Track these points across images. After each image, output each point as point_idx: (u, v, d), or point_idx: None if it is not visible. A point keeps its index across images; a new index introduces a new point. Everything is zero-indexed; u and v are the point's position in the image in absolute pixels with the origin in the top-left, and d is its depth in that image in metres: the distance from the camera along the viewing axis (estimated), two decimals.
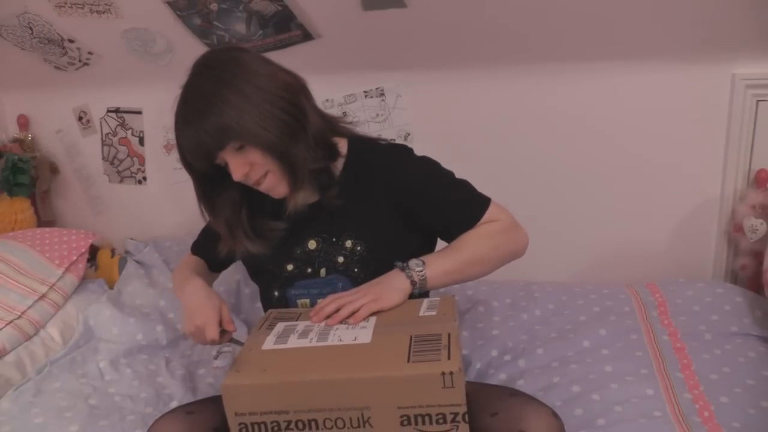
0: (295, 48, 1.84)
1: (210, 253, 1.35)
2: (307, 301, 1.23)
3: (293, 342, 1.03)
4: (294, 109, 1.12)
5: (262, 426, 0.95)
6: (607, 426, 1.26)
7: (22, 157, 2.13)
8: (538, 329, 1.63)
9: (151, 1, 1.78)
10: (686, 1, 1.61)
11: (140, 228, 2.25)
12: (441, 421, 0.93)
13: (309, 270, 1.23)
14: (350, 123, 1.28)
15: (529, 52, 1.79)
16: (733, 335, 1.53)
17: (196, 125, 1.09)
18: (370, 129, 1.94)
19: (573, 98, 1.83)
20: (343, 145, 1.24)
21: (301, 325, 1.09)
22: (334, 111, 1.84)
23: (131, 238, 2.22)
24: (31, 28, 1.98)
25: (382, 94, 1.95)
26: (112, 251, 2.15)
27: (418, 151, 1.27)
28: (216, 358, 1.27)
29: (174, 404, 1.46)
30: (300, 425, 0.95)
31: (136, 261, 2.06)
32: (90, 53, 2.04)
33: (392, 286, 1.14)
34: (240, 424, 0.95)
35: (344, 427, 0.94)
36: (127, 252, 2.18)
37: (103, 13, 1.87)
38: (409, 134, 1.97)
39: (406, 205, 1.21)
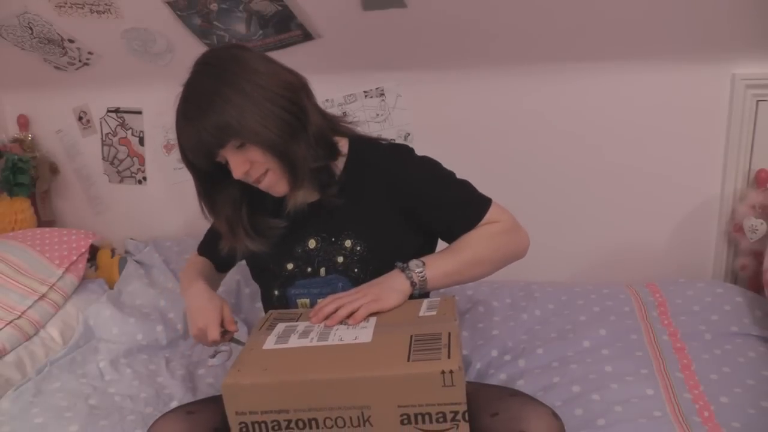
0: (295, 48, 1.84)
1: (216, 252, 1.35)
2: (307, 300, 1.23)
3: (294, 342, 1.03)
4: (295, 108, 1.12)
5: (263, 425, 0.95)
6: (607, 426, 1.26)
7: (22, 157, 2.13)
8: (538, 329, 1.63)
9: (151, 1, 1.78)
10: (686, 1, 1.61)
11: (140, 228, 2.25)
12: (441, 419, 0.93)
13: (309, 269, 1.23)
14: (351, 123, 1.28)
15: (530, 51, 1.79)
16: (733, 335, 1.53)
17: (196, 123, 1.09)
18: (370, 129, 1.94)
19: (573, 98, 1.83)
20: (344, 144, 1.24)
21: (301, 325, 1.09)
22: (334, 111, 1.83)
23: (131, 238, 2.22)
24: (31, 28, 1.98)
25: (382, 94, 1.95)
26: (112, 251, 2.15)
27: (418, 151, 1.27)
28: (213, 356, 1.28)
29: (174, 404, 1.46)
30: (300, 424, 0.95)
31: (136, 261, 2.06)
32: (90, 53, 2.04)
33: (392, 286, 1.14)
34: (240, 423, 0.95)
35: (344, 426, 0.94)
36: (127, 252, 2.18)
37: (103, 13, 1.87)
38: (409, 134, 1.97)
39: (406, 205, 1.21)
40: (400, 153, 1.25)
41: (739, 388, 1.36)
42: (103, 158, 2.25)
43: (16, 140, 2.22)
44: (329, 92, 1.92)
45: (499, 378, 1.48)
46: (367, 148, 1.25)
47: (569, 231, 1.94)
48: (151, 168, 2.21)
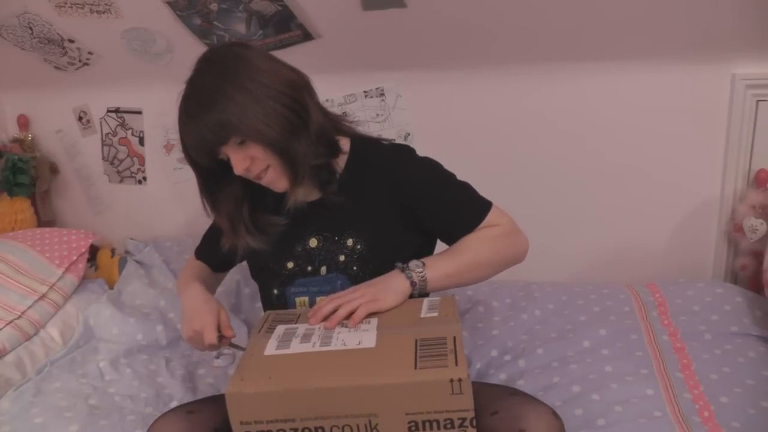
0: (295, 48, 1.84)
1: (212, 254, 1.35)
2: (306, 299, 1.23)
3: (296, 347, 1.02)
4: (296, 106, 1.13)
5: None
6: (607, 426, 1.26)
7: (22, 157, 2.13)
8: (538, 329, 1.63)
9: (151, 1, 1.78)
10: (686, 1, 1.61)
11: (140, 228, 2.25)
12: (449, 426, 0.92)
13: (309, 268, 1.23)
14: (352, 122, 1.28)
15: (530, 51, 1.79)
16: (733, 335, 1.53)
17: (198, 120, 1.10)
18: (370, 129, 1.94)
19: (572, 98, 1.83)
20: (345, 143, 1.24)
21: (301, 327, 1.08)
22: (334, 111, 1.83)
23: (131, 238, 2.22)
24: (31, 28, 1.98)
25: (382, 94, 1.95)
26: (112, 251, 2.15)
27: (418, 151, 1.27)
28: (217, 357, 1.27)
29: (174, 404, 1.46)
30: None
31: (136, 261, 2.06)
32: (90, 53, 2.04)
33: (390, 286, 1.13)
34: None
35: None
36: (127, 252, 2.18)
37: (103, 13, 1.87)
38: (409, 134, 1.97)
39: (406, 205, 1.21)
40: (401, 153, 1.25)
41: (739, 388, 1.36)
42: (103, 158, 2.25)
43: (16, 140, 2.22)
44: (329, 92, 1.91)
45: (499, 378, 1.48)
46: (368, 147, 1.26)
47: (569, 231, 1.94)
48: (151, 168, 2.21)
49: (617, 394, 1.35)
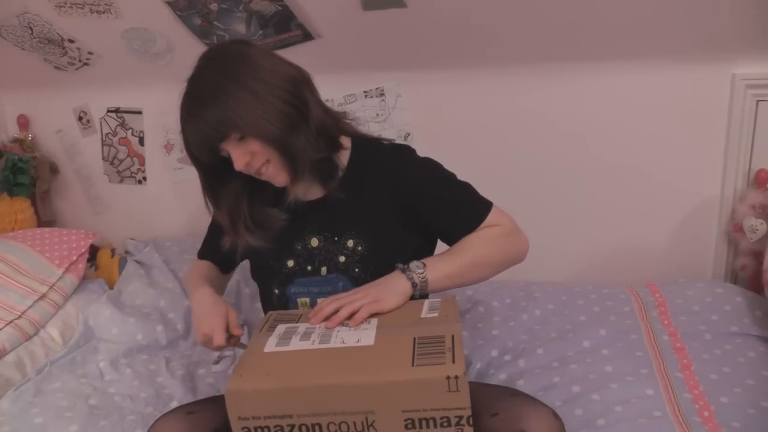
0: (295, 48, 1.84)
1: (217, 253, 1.35)
2: (307, 300, 1.23)
3: (295, 344, 1.02)
4: (296, 101, 1.13)
5: (266, 430, 0.94)
6: (607, 426, 1.26)
7: (22, 157, 2.13)
8: (538, 329, 1.63)
9: (151, 1, 1.78)
10: (686, 2, 1.61)
11: (140, 228, 2.25)
12: (446, 424, 0.92)
13: (309, 267, 1.23)
14: (353, 120, 1.29)
15: (530, 52, 1.79)
16: (733, 335, 1.53)
17: (198, 117, 1.10)
18: (370, 129, 1.94)
19: (572, 98, 1.83)
20: (346, 142, 1.25)
21: (302, 326, 1.09)
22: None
23: (131, 238, 2.22)
24: (31, 28, 1.98)
25: (382, 94, 1.95)
26: (112, 251, 2.15)
27: (418, 151, 1.27)
28: (216, 363, 1.27)
29: (174, 404, 1.46)
30: (304, 429, 0.94)
31: (136, 261, 2.06)
32: (90, 53, 2.04)
33: (392, 287, 1.13)
34: (243, 428, 0.95)
35: (348, 431, 0.94)
36: (127, 252, 2.18)
37: (103, 13, 1.87)
38: (409, 134, 1.97)
39: (407, 206, 1.21)
40: (402, 153, 1.26)
41: (739, 388, 1.36)
42: (103, 158, 2.25)
43: (16, 140, 2.22)
44: (329, 92, 1.90)
45: (499, 378, 1.48)
46: (368, 147, 1.26)
47: (569, 231, 1.94)
48: (151, 168, 2.21)
49: (617, 394, 1.35)
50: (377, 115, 1.97)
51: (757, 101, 1.71)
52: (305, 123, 1.14)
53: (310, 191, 1.24)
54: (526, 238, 1.24)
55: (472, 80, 1.87)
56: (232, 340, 1.18)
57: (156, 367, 1.66)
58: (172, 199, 2.19)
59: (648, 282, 1.76)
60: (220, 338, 1.15)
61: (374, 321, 1.08)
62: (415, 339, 0.99)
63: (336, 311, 1.09)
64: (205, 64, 1.14)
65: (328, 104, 1.24)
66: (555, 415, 1.06)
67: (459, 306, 1.70)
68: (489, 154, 1.91)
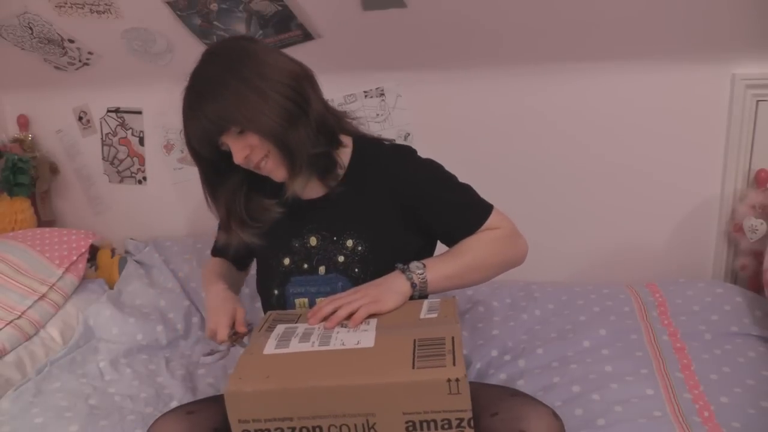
0: (295, 48, 1.84)
1: (228, 250, 1.36)
2: (306, 300, 1.23)
3: (295, 346, 1.02)
4: (297, 97, 1.13)
5: None
6: (607, 426, 1.26)
7: (22, 157, 2.13)
8: (538, 329, 1.63)
9: (151, 1, 1.78)
10: (686, 2, 1.61)
11: (140, 228, 2.25)
12: (446, 426, 0.92)
13: (305, 265, 1.23)
14: (354, 119, 1.29)
15: (530, 52, 1.79)
16: (733, 335, 1.53)
17: (198, 111, 1.11)
18: (370, 129, 1.92)
19: (572, 98, 1.83)
20: (347, 141, 1.25)
21: (301, 327, 1.09)
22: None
23: (131, 238, 2.22)
24: (31, 28, 1.98)
25: (382, 94, 1.95)
26: (112, 251, 2.15)
27: (419, 152, 1.27)
28: (206, 355, 1.30)
29: (174, 404, 1.46)
30: (304, 431, 0.94)
31: (136, 261, 2.06)
32: (90, 53, 2.04)
33: (391, 288, 1.13)
34: (243, 431, 0.95)
35: None
36: (127, 252, 2.18)
37: (103, 13, 1.87)
38: (409, 134, 1.97)
39: (408, 206, 1.21)
40: (403, 154, 1.26)
41: (739, 388, 1.36)
42: (103, 158, 2.25)
43: (16, 140, 2.22)
44: (329, 92, 1.88)
45: (499, 378, 1.48)
46: (369, 147, 1.26)
47: (569, 231, 1.94)
48: (151, 168, 2.21)
49: (617, 394, 1.35)
50: (377, 115, 1.97)
51: (757, 101, 1.71)
52: (305, 118, 1.14)
53: (311, 190, 1.24)
54: (525, 242, 1.24)
55: (472, 80, 1.87)
56: (235, 336, 1.19)
57: (156, 367, 1.66)
58: (172, 199, 2.19)
59: (648, 282, 1.76)
60: (222, 334, 1.17)
61: (373, 322, 1.08)
62: (415, 341, 0.99)
63: (334, 311, 1.09)
64: (208, 59, 1.16)
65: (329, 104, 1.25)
66: (555, 415, 1.06)
67: (459, 306, 1.70)
68: (489, 153, 1.91)
